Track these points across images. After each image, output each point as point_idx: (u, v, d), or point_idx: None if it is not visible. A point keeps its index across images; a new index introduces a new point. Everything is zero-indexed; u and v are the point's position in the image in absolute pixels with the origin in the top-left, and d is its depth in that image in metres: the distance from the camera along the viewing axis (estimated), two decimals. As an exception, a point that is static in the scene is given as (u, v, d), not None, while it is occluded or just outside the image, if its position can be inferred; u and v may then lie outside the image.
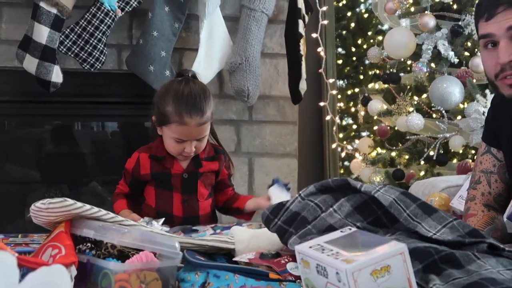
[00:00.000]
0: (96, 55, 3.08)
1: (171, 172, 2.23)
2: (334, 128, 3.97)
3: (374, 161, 3.72)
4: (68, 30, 3.03)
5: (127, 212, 2.18)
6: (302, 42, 3.44)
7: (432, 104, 3.47)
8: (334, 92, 3.99)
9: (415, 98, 3.64)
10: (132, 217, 2.04)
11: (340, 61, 4.49)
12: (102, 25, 3.06)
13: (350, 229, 1.21)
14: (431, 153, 3.49)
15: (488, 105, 3.11)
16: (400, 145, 3.78)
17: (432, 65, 3.49)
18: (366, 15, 4.62)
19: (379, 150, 3.95)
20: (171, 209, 2.23)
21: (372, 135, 4.12)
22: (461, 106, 3.44)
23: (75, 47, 3.05)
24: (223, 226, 1.92)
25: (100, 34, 3.07)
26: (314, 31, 3.82)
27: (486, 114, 1.96)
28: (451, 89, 3.24)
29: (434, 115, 3.55)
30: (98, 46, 3.08)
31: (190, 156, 2.20)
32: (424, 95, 3.66)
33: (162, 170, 2.23)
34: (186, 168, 2.24)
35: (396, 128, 3.67)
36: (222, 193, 2.38)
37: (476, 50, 3.44)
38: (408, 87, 3.60)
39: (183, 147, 2.16)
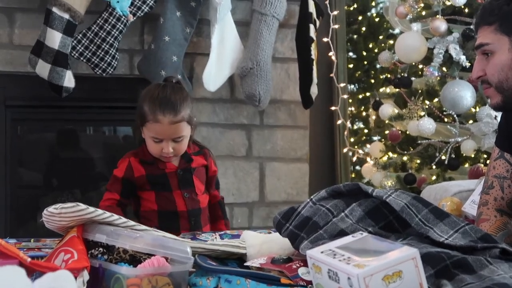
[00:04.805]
0: (108, 60, 3.10)
1: (166, 171, 2.24)
2: (345, 133, 3.97)
3: (385, 166, 3.71)
4: (80, 35, 3.05)
5: None
6: (313, 47, 3.44)
7: (444, 108, 3.46)
8: (345, 96, 3.99)
9: (427, 102, 3.63)
10: None
11: (351, 65, 4.49)
12: (114, 30, 3.07)
13: (361, 234, 1.21)
14: (443, 157, 3.48)
15: (500, 109, 3.10)
16: (412, 149, 3.77)
17: (444, 69, 3.48)
18: (377, 19, 4.62)
19: (390, 154, 3.94)
20: (175, 207, 2.24)
21: (383, 140, 4.11)
22: (473, 110, 3.43)
23: (87, 52, 3.06)
24: (232, 234, 1.92)
25: (112, 39, 3.08)
26: (325, 35, 3.83)
27: (498, 119, 1.97)
28: (463, 93, 3.23)
29: (445, 119, 3.54)
30: (110, 51, 3.09)
31: (170, 158, 2.21)
32: (436, 99, 3.65)
33: (157, 172, 2.24)
34: (179, 165, 2.26)
35: (407, 133, 3.66)
36: (209, 194, 2.37)
37: (488, 54, 3.42)
38: (420, 91, 3.59)
39: (161, 147, 2.17)
